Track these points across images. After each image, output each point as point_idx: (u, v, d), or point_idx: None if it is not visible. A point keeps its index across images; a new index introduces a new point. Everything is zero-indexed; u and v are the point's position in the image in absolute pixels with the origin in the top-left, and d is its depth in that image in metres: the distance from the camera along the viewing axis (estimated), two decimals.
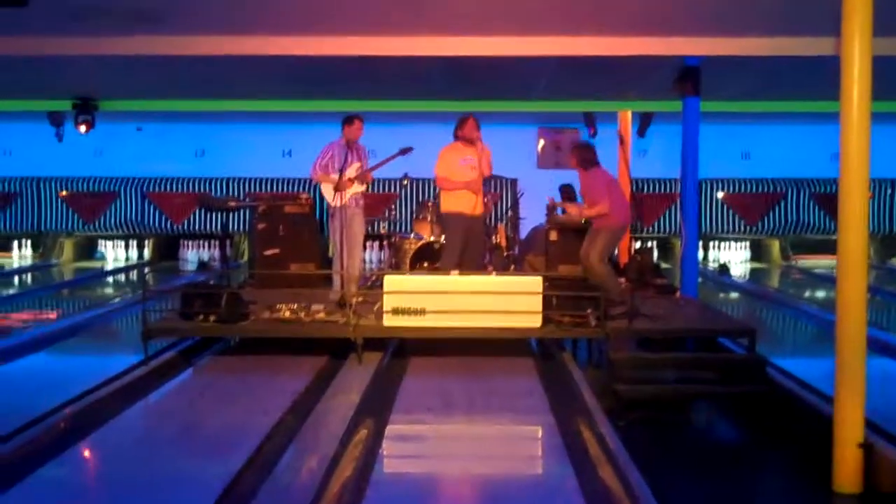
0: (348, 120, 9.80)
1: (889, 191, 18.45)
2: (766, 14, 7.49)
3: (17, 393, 7.47)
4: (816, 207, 18.51)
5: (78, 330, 10.61)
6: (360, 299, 8.85)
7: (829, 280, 15.37)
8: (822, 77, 7.31)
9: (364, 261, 17.56)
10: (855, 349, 5.33)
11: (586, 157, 9.13)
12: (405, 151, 9.60)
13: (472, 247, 9.44)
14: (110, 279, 17.06)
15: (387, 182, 17.81)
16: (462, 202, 9.25)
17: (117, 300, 12.98)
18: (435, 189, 16.32)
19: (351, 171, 9.58)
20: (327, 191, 9.71)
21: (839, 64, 5.41)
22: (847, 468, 5.27)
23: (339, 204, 9.51)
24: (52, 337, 9.92)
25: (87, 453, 5.79)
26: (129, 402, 6.97)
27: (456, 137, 9.30)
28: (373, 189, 17.66)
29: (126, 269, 17.95)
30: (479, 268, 9.45)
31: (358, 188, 9.67)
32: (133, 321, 10.75)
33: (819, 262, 18.27)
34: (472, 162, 9.16)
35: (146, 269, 16.18)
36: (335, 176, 9.50)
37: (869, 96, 5.35)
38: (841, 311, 5.38)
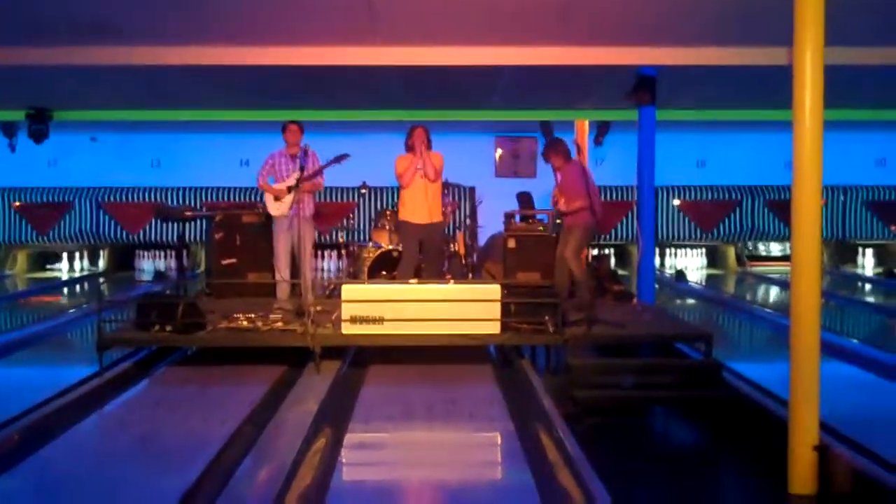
0: (283, 127, 9.90)
1: (842, 197, 18.71)
2: (719, 24, 7.57)
3: None
4: (771, 214, 18.71)
5: (31, 341, 10.47)
6: (317, 308, 8.85)
7: (783, 285, 15.56)
8: (776, 86, 7.41)
9: (318, 270, 17.62)
10: (809, 353, 5.40)
11: (566, 150, 9.38)
12: (340, 159, 9.50)
13: (430, 255, 9.58)
14: (65, 290, 16.86)
15: (345, 191, 17.78)
16: (416, 211, 9.39)
17: (72, 311, 12.82)
18: (393, 197, 16.37)
19: (290, 180, 9.58)
20: (268, 200, 9.78)
21: (792, 73, 5.49)
22: (802, 470, 5.33)
23: (278, 213, 9.60)
24: (4, 348, 9.79)
25: (40, 466, 5.71)
26: (84, 413, 6.88)
27: (406, 148, 9.47)
28: (331, 198, 17.66)
29: (81, 280, 17.75)
30: (438, 276, 9.48)
31: (296, 197, 9.57)
32: (88, 332, 10.63)
33: (773, 269, 18.52)
34: (421, 170, 9.37)
35: (101, 280, 16.00)
36: (279, 185, 9.57)
37: (821, 105, 5.43)
38: (795, 315, 5.45)
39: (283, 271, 9.81)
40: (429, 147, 9.41)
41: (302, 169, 9.45)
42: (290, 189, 9.52)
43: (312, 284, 8.65)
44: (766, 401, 6.90)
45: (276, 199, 9.61)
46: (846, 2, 6.05)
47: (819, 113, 5.44)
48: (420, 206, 9.37)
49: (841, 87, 8.16)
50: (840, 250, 19.28)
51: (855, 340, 9.92)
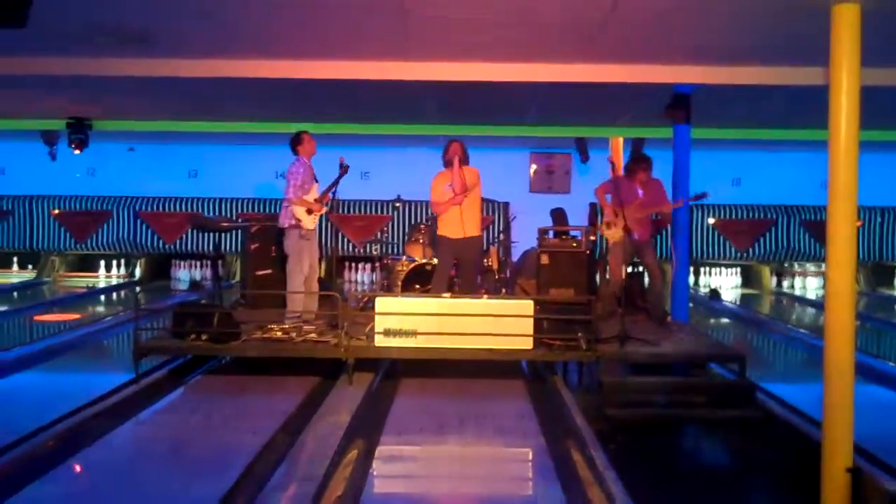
0: (299, 138, 9.79)
1: (879, 219, 18.54)
2: (756, 43, 7.56)
3: (7, 410, 7.48)
4: (807, 234, 18.59)
5: (69, 348, 10.59)
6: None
7: (818, 306, 15.44)
8: (812, 105, 7.39)
9: (352, 282, 17.69)
10: (843, 375, 5.38)
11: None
12: (345, 170, 9.56)
13: (465, 269, 9.56)
14: (102, 297, 17.03)
15: (379, 204, 17.86)
16: (450, 226, 9.37)
17: (109, 318, 12.95)
18: (427, 211, 16.43)
19: (315, 193, 9.55)
20: (302, 214, 9.49)
21: (828, 93, 5.48)
22: (835, 493, 5.31)
23: (313, 226, 9.51)
24: (42, 355, 9.91)
25: (76, 471, 5.79)
26: (120, 420, 6.97)
27: (444, 164, 9.45)
28: (365, 210, 17.75)
29: (118, 288, 17.93)
30: (472, 291, 9.49)
31: (324, 210, 9.59)
32: (125, 340, 10.75)
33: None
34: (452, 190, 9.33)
35: (138, 288, 16.15)
36: (313, 198, 9.48)
37: (857, 125, 5.42)
38: (829, 337, 5.43)
39: (313, 283, 9.73)
40: (465, 162, 9.39)
41: (317, 181, 9.53)
42: (320, 202, 9.51)
43: (345, 296, 8.67)
44: (800, 422, 6.87)
45: (309, 212, 9.45)
46: (883, 23, 6.03)
47: (855, 133, 5.43)
48: (454, 221, 9.35)
49: (878, 107, 8.14)
50: (877, 272, 19.09)
51: (890, 363, 9.82)
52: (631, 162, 10.52)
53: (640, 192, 10.02)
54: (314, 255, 9.72)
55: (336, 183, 9.53)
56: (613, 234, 9.99)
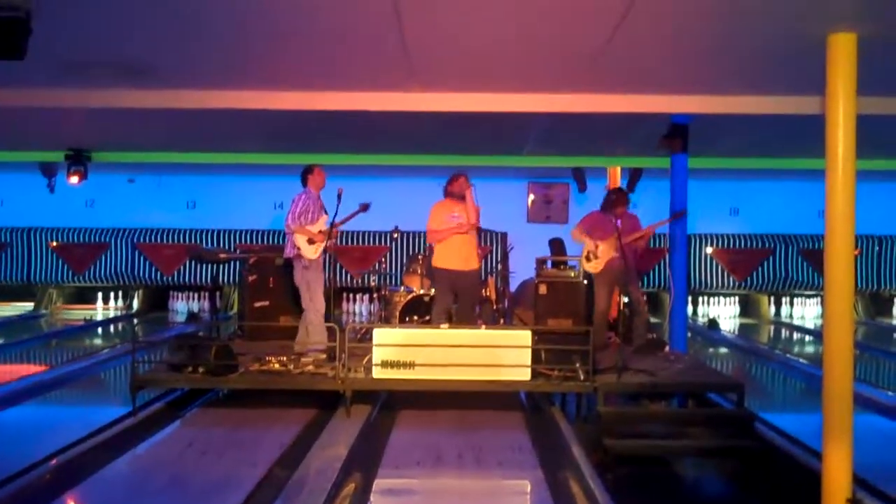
0: (310, 170, 9.83)
1: (877, 247, 18.56)
2: (752, 73, 7.58)
3: (4, 444, 7.44)
4: (805, 263, 18.59)
5: (66, 381, 10.56)
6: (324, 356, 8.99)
7: (817, 335, 15.42)
8: (809, 135, 7.41)
9: (350, 313, 17.66)
10: (842, 405, 5.36)
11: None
12: (364, 208, 9.60)
13: (464, 302, 9.53)
14: (99, 330, 16.99)
15: (377, 235, 17.87)
16: (451, 257, 9.32)
17: (106, 351, 12.92)
18: (425, 242, 16.42)
19: (320, 224, 9.55)
20: (302, 243, 9.47)
21: (825, 122, 5.50)
22: None
23: (316, 256, 9.45)
24: (39, 387, 9.88)
25: None
26: (117, 453, 6.94)
27: (446, 193, 9.42)
28: (363, 241, 17.76)
29: (115, 320, 17.90)
30: (471, 321, 9.45)
31: (328, 241, 9.53)
32: (122, 372, 10.71)
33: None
34: (460, 218, 9.28)
35: (135, 320, 16.11)
36: (313, 228, 9.47)
37: (853, 154, 5.43)
38: (827, 366, 5.42)
39: (322, 313, 9.68)
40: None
41: (325, 213, 9.52)
42: (320, 233, 9.48)
43: (343, 328, 8.63)
44: (799, 452, 6.85)
45: (310, 241, 9.43)
46: (879, 52, 6.06)
47: (851, 162, 5.44)
48: (454, 253, 9.31)
49: (874, 136, 8.15)
50: (875, 301, 19.09)
51: (890, 393, 9.80)
52: (611, 195, 10.57)
53: (619, 222, 10.05)
54: (323, 286, 9.64)
55: (350, 217, 9.55)
56: (594, 266, 10.16)
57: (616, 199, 10.35)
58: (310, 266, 9.48)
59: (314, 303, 9.47)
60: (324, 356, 9.10)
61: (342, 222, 9.53)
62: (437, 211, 9.47)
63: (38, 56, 6.03)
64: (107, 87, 8.59)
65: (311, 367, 8.63)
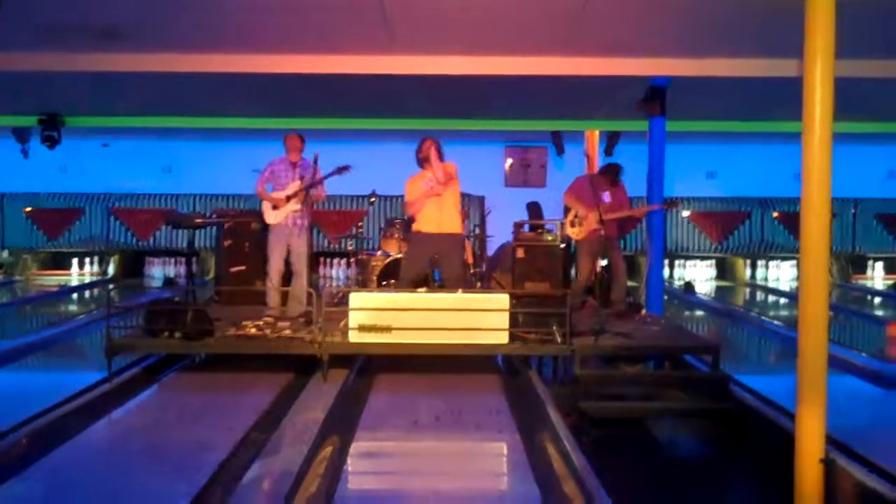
0: (285, 136, 9.83)
1: (853, 210, 18.68)
2: (730, 36, 7.58)
3: None
4: (781, 226, 18.69)
5: (41, 346, 10.50)
6: (302, 320, 9.04)
7: (792, 297, 15.53)
8: (786, 98, 7.41)
9: (327, 278, 17.64)
10: (816, 366, 5.39)
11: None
12: (342, 170, 9.41)
13: (446, 266, 9.26)
14: (74, 296, 16.90)
15: (354, 199, 17.82)
16: (423, 220, 9.10)
17: (82, 317, 12.85)
18: (403, 207, 16.39)
19: (290, 189, 9.54)
20: (266, 208, 9.66)
21: (802, 85, 5.49)
22: (808, 484, 5.31)
23: (274, 222, 9.53)
24: (14, 354, 9.82)
25: (48, 470, 5.73)
26: (93, 419, 6.91)
27: (417, 161, 9.21)
28: (341, 206, 17.71)
29: (91, 286, 17.81)
30: (459, 286, 9.24)
31: (294, 206, 9.54)
32: (97, 338, 10.67)
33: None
34: (431, 182, 9.02)
35: (111, 286, 16.05)
36: (278, 194, 9.52)
37: (830, 117, 5.43)
38: (802, 328, 5.44)
39: (274, 279, 9.75)
40: (441, 158, 9.18)
41: (301, 178, 9.46)
42: (288, 198, 9.49)
43: (319, 292, 8.62)
44: (774, 413, 6.89)
45: (274, 207, 9.52)
46: (856, 14, 6.05)
47: (828, 125, 5.44)
48: (426, 216, 9.07)
49: (851, 99, 8.17)
50: (850, 263, 19.23)
51: (863, 354, 9.88)
52: (605, 169, 10.57)
53: (606, 194, 10.08)
54: (279, 251, 9.63)
55: (320, 180, 9.46)
56: (578, 233, 10.17)
57: (607, 172, 10.40)
58: (272, 231, 9.57)
59: (272, 267, 9.57)
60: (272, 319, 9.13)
61: (310, 186, 9.46)
62: (411, 182, 9.24)
63: (10, 20, 5.96)
64: (80, 51, 8.51)
65: (287, 332, 8.61)
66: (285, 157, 9.67)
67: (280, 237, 9.61)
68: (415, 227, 9.26)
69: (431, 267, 9.63)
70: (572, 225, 10.15)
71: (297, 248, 9.59)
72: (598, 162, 13.76)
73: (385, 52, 8.48)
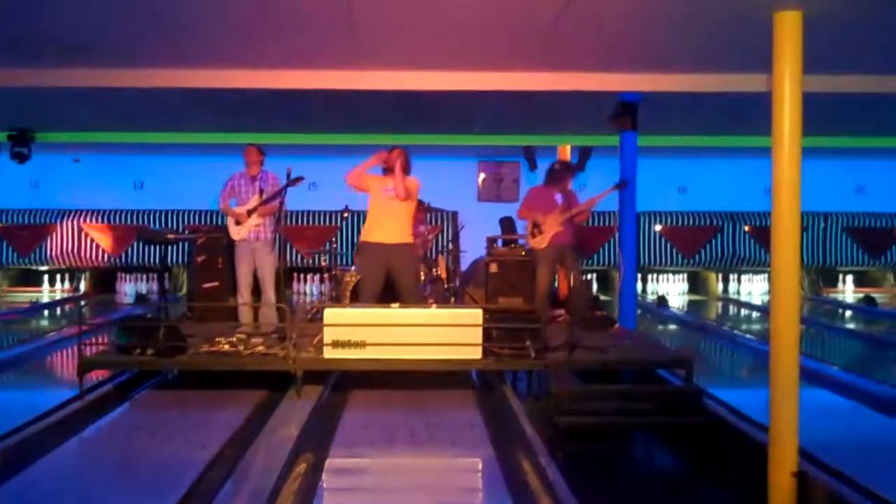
0: (244, 149, 9.94)
1: (822, 224, 18.83)
2: (700, 51, 7.63)
3: None
4: (752, 240, 18.82)
5: (11, 364, 10.40)
6: (276, 336, 9.04)
7: (764, 311, 15.62)
8: (756, 113, 7.47)
9: (300, 293, 17.59)
10: (788, 379, 5.44)
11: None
12: (296, 181, 9.27)
13: (399, 278, 9.08)
14: (46, 312, 16.77)
15: (327, 215, 17.79)
16: (375, 229, 9.05)
17: (52, 334, 12.75)
18: None
19: (250, 204, 9.57)
20: (230, 223, 9.81)
21: (771, 100, 5.55)
22: (781, 496, 5.36)
23: (238, 238, 9.60)
24: None
25: (19, 489, 5.67)
26: (64, 437, 6.85)
27: (383, 170, 9.19)
28: (314, 221, 17.67)
29: (62, 302, 17.67)
30: (414, 299, 9.22)
31: (255, 221, 9.59)
32: (69, 355, 10.58)
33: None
34: (390, 191, 8.99)
35: (82, 302, 15.94)
36: (239, 209, 9.57)
37: (800, 131, 5.49)
38: (774, 342, 5.48)
39: (244, 295, 9.81)
40: (406, 171, 9.11)
41: (261, 192, 9.47)
42: (249, 213, 9.55)
43: (293, 308, 8.61)
44: (747, 427, 6.92)
45: (237, 222, 9.63)
46: (824, 30, 6.11)
47: (798, 139, 5.50)
48: (380, 225, 9.01)
49: (820, 114, 8.25)
50: (821, 276, 19.39)
51: (835, 367, 9.96)
52: (555, 168, 10.55)
53: (559, 197, 10.11)
54: (247, 266, 9.69)
55: (279, 193, 9.41)
56: (539, 242, 10.18)
57: (562, 173, 10.34)
58: (237, 247, 9.75)
59: (241, 283, 9.79)
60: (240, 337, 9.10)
61: (269, 199, 9.47)
62: (369, 177, 9.21)
63: None
64: (50, 66, 8.45)
65: (261, 348, 8.57)
66: (245, 171, 9.72)
67: (245, 252, 9.70)
68: (363, 237, 9.20)
69: (388, 279, 9.39)
70: (533, 235, 10.18)
71: (262, 263, 9.62)
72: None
73: (355, 68, 8.48)
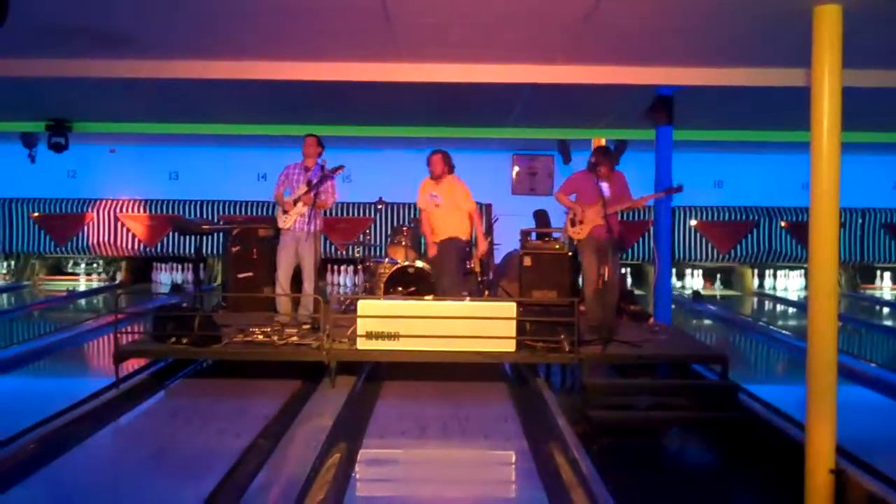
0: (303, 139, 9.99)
1: (860, 220, 18.63)
2: (738, 45, 7.56)
3: None
4: (788, 236, 18.66)
5: (48, 352, 10.51)
6: (305, 327, 9.07)
7: (800, 307, 15.50)
8: (794, 107, 7.40)
9: (334, 285, 17.64)
10: (826, 376, 5.38)
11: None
12: (336, 170, 9.47)
13: (440, 272, 9.90)
14: (82, 301, 16.93)
15: (361, 206, 17.83)
16: (430, 230, 9.96)
17: (89, 322, 12.86)
18: (409, 213, 16.42)
19: (298, 192, 9.59)
20: (279, 212, 9.87)
21: (810, 94, 5.49)
22: (818, 494, 5.31)
23: (283, 227, 9.64)
24: (21, 359, 9.83)
25: (56, 476, 5.73)
26: (100, 424, 6.91)
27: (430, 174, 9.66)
28: (348, 213, 17.71)
29: (98, 291, 17.83)
30: (450, 293, 9.42)
31: (300, 210, 9.59)
32: (105, 343, 10.67)
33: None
34: (437, 200, 9.70)
35: (118, 292, 16.08)
36: (287, 198, 9.63)
37: (838, 127, 5.43)
38: (812, 338, 5.43)
39: (283, 285, 9.82)
40: (450, 170, 9.80)
41: (310, 183, 9.48)
42: (294, 202, 9.56)
43: (327, 299, 8.64)
44: (783, 423, 6.87)
45: (284, 211, 9.65)
46: (864, 25, 6.04)
47: (837, 135, 5.44)
48: (432, 230, 9.94)
49: (859, 109, 8.16)
50: (859, 272, 19.20)
51: (872, 364, 9.86)
52: (592, 157, 10.00)
53: (605, 186, 9.45)
54: (287, 255, 9.72)
55: (318, 184, 9.45)
56: (579, 232, 9.52)
57: (597, 161, 9.76)
58: (282, 235, 9.85)
59: (280, 272, 9.84)
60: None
61: (311, 190, 9.46)
62: (421, 188, 10.00)
63: (18, 25, 5.96)
64: (87, 56, 8.52)
65: (295, 339, 8.60)
66: (302, 161, 9.75)
67: (289, 242, 9.72)
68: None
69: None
70: (572, 224, 9.58)
71: (304, 254, 9.64)
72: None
73: (389, 60, 8.48)
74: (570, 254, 10.89)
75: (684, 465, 7.14)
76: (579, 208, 9.44)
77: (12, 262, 18.99)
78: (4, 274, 18.95)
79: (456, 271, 9.96)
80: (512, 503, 5.87)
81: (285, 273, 9.77)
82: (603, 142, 14.45)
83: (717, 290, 19.46)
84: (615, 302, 9.64)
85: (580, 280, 10.87)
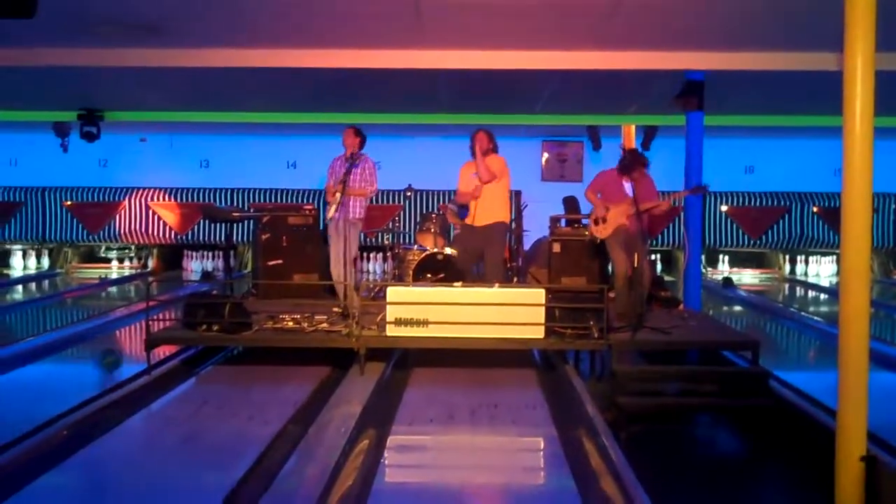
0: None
1: (893, 205, 18.44)
2: (769, 29, 7.51)
3: (19, 402, 7.49)
4: (820, 221, 18.50)
5: (81, 339, 10.61)
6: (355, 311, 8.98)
7: (832, 293, 15.38)
8: (826, 92, 7.33)
9: (364, 272, 17.68)
10: (857, 362, 5.33)
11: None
12: (356, 158, 9.74)
13: (486, 256, 9.59)
14: (114, 289, 17.07)
15: (390, 193, 17.84)
16: (469, 214, 9.60)
17: (120, 310, 12.97)
18: (439, 200, 16.41)
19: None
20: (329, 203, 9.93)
21: (842, 79, 5.42)
22: (849, 481, 5.25)
23: (328, 216, 9.70)
24: (54, 346, 9.93)
25: (88, 462, 5.78)
26: (132, 411, 6.97)
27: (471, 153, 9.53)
28: (377, 200, 17.74)
29: (130, 279, 17.97)
30: (496, 277, 9.32)
31: (336, 199, 9.62)
32: (136, 330, 10.76)
33: None
34: (476, 177, 9.52)
35: (150, 279, 16.17)
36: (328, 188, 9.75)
37: (871, 111, 5.35)
38: (843, 324, 5.37)
39: (332, 273, 10.03)
40: (494, 150, 9.58)
41: (347, 173, 9.51)
42: (333, 193, 9.61)
43: (356, 286, 8.67)
44: (814, 410, 6.83)
45: (328, 203, 9.79)
46: None
47: (870, 119, 5.37)
48: (472, 209, 9.57)
49: (893, 93, 8.06)
50: (892, 258, 19.00)
51: None
52: (626, 159, 9.90)
53: (630, 186, 9.37)
54: (335, 244, 9.85)
55: (347, 172, 9.53)
56: (602, 231, 9.43)
57: (631, 163, 9.69)
58: (329, 224, 9.95)
59: (334, 259, 9.97)
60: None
61: (340, 179, 9.50)
62: (463, 170, 9.74)
63: (49, 14, 6.01)
64: (118, 45, 8.58)
65: (324, 325, 8.64)
66: (343, 154, 9.85)
67: (332, 230, 9.94)
68: (460, 220, 9.90)
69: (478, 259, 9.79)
70: (596, 223, 9.48)
71: (345, 239, 9.74)
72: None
73: (418, 47, 8.49)
74: (599, 240, 10.84)
75: (714, 452, 7.11)
76: (604, 207, 9.35)
77: (45, 252, 19.19)
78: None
79: (502, 262, 9.92)
80: (540, 490, 5.85)
81: (336, 259, 9.88)
82: (633, 129, 14.38)
83: (748, 276, 19.33)
84: (646, 291, 9.54)
85: (609, 267, 10.83)
